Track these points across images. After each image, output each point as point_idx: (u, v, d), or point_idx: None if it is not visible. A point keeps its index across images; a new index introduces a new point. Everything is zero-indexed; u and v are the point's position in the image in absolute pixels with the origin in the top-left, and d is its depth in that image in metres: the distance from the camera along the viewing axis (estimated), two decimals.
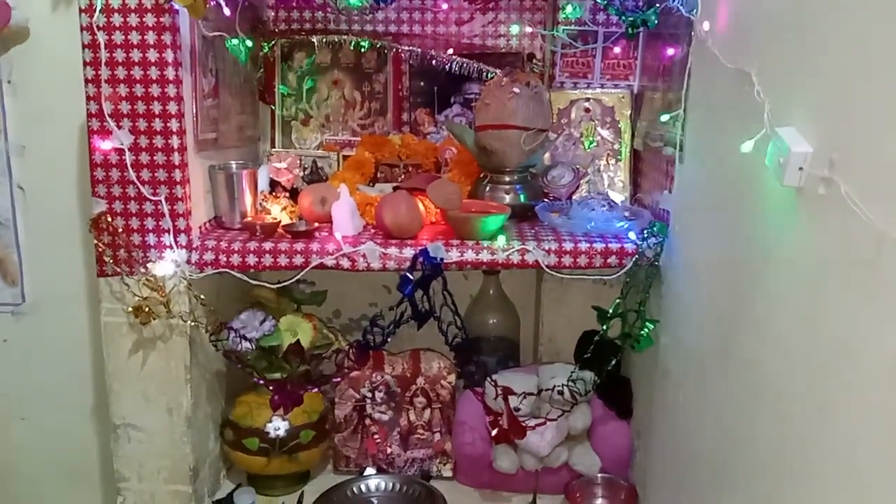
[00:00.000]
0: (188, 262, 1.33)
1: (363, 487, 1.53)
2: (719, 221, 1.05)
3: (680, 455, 1.22)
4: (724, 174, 1.03)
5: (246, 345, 1.36)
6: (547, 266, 1.32)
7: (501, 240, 1.32)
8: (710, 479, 1.06)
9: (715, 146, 1.08)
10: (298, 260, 1.33)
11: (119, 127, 1.27)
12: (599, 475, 1.51)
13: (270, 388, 1.37)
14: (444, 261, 1.31)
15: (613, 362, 1.36)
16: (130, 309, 1.30)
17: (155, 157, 1.28)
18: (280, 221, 1.41)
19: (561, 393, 1.44)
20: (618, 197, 1.51)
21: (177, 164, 1.29)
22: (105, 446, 1.74)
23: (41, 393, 1.80)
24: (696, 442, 1.13)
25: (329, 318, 1.78)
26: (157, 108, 1.26)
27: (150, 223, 1.31)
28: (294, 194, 1.53)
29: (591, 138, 1.56)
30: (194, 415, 1.39)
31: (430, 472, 1.59)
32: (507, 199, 1.47)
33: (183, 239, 1.31)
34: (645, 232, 1.30)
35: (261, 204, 1.47)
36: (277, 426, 1.44)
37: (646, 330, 1.30)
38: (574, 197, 1.51)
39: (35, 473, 1.85)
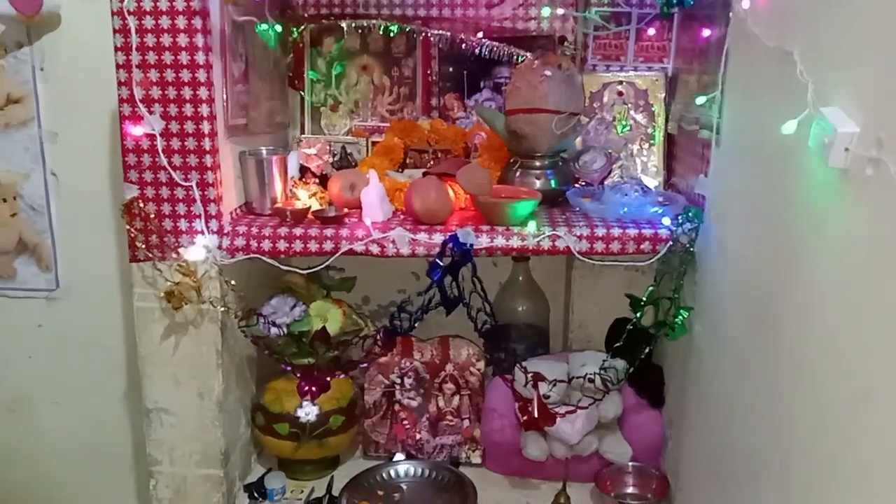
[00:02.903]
0: (219, 247, 1.33)
1: (392, 473, 1.54)
2: (758, 206, 1.02)
3: (715, 444, 1.20)
4: (764, 157, 1.00)
5: (275, 330, 1.36)
6: (578, 252, 1.30)
7: (532, 225, 1.30)
8: (746, 469, 1.04)
9: (754, 128, 1.05)
10: (328, 246, 1.32)
11: (150, 112, 1.27)
12: (630, 464, 1.49)
13: (298, 374, 1.37)
14: (474, 247, 1.30)
15: (647, 351, 1.34)
16: (162, 294, 1.30)
17: (186, 143, 1.29)
18: (310, 207, 1.40)
19: (592, 381, 1.43)
20: (651, 182, 1.49)
21: (207, 149, 1.29)
22: (137, 430, 1.76)
23: (75, 377, 1.83)
24: (732, 431, 1.11)
25: (358, 305, 1.78)
26: (187, 93, 1.27)
27: (181, 209, 1.31)
28: (323, 180, 1.53)
29: (624, 122, 1.54)
30: (225, 399, 1.40)
31: (458, 458, 1.59)
32: (538, 184, 1.45)
33: (214, 224, 1.32)
34: (679, 217, 1.28)
35: (291, 190, 1.47)
36: (308, 411, 1.44)
37: (680, 318, 1.28)
38: (606, 182, 1.48)
39: (68, 457, 1.88)
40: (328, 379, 1.35)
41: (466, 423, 1.58)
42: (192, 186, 1.30)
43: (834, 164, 0.74)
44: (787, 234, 0.91)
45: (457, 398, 1.59)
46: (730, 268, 1.14)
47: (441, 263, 1.28)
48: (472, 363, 1.59)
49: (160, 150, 1.29)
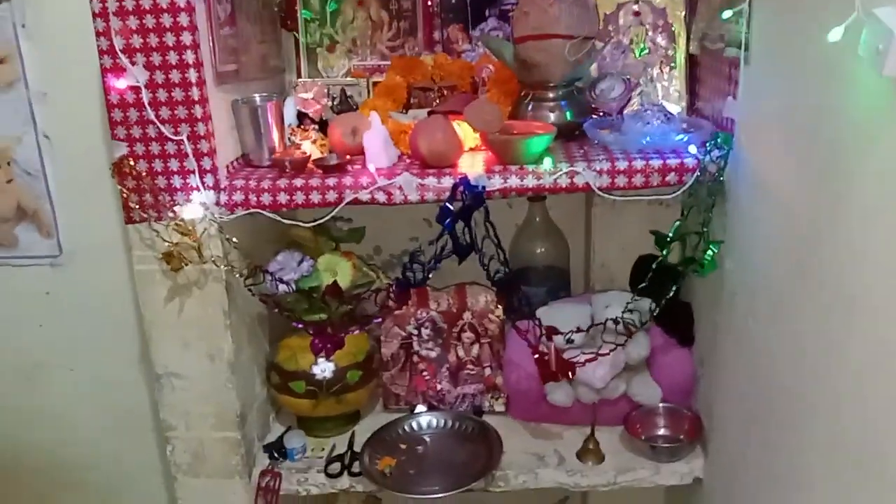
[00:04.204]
0: (217, 203, 1.26)
1: (415, 425, 1.49)
2: (797, 127, 0.92)
3: (753, 385, 1.13)
4: (802, 72, 0.90)
5: (283, 287, 1.30)
6: (599, 188, 1.22)
7: (548, 162, 1.21)
8: (789, 412, 0.97)
9: (789, 40, 0.95)
10: (332, 196, 1.25)
11: (133, 63, 1.19)
12: (661, 405, 1.44)
13: (310, 331, 1.31)
14: (486, 189, 1.21)
15: (674, 289, 1.26)
16: (161, 256, 1.24)
17: (173, 94, 1.20)
18: (310, 156, 1.32)
19: (617, 323, 1.36)
20: (674, 108, 1.38)
21: (196, 99, 1.21)
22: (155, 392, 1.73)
23: (87, 343, 1.80)
24: (774, 372, 1.04)
25: (369, 255, 1.71)
26: (170, 39, 1.18)
27: (174, 164, 1.24)
28: (323, 126, 1.44)
29: (641, 45, 1.42)
30: (237, 360, 1.35)
31: (482, 407, 1.54)
32: (552, 117, 1.35)
33: (210, 179, 1.24)
34: (707, 144, 1.18)
35: (289, 138, 1.38)
36: (323, 368, 1.39)
37: (710, 253, 1.20)
38: (625, 111, 1.38)
39: (88, 423, 1.86)
40: (343, 335, 1.29)
41: (488, 371, 1.53)
42: (183, 140, 1.22)
43: (890, 72, 0.65)
44: (832, 156, 0.82)
45: (476, 347, 1.53)
46: (766, 197, 1.05)
47: (451, 209, 1.20)
48: (491, 310, 1.52)
49: (146, 104, 1.20)
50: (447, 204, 1.20)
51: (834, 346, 0.83)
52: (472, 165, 1.25)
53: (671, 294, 1.27)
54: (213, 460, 1.39)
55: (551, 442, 1.45)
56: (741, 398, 1.18)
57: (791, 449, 0.97)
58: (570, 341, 1.37)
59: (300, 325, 1.33)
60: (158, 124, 1.21)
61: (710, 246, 1.20)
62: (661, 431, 1.43)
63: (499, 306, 1.51)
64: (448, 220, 1.18)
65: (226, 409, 1.36)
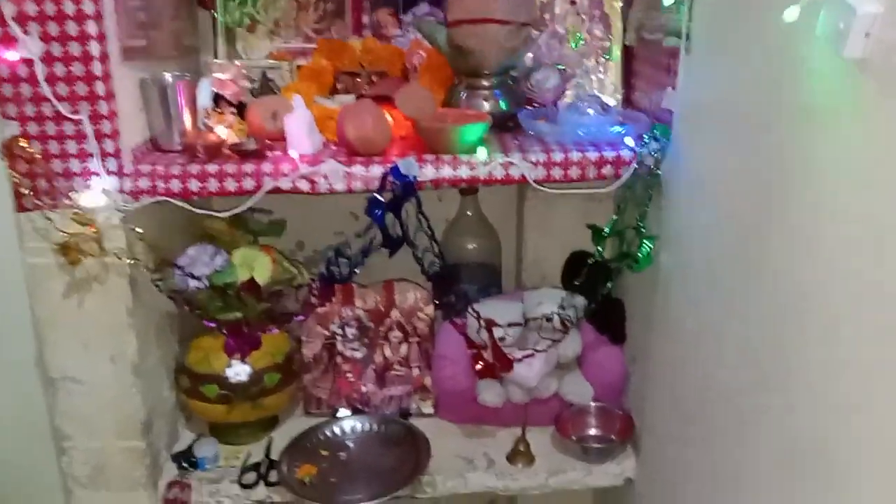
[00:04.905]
0: (120, 190, 1.14)
1: (337, 430, 1.41)
2: (743, 116, 0.90)
3: (687, 382, 1.10)
4: (749, 59, 0.87)
5: (194, 283, 1.20)
6: (535, 180, 1.17)
7: (482, 152, 1.16)
8: (731, 411, 0.95)
9: (735, 27, 0.92)
10: (249, 183, 1.15)
11: (26, 33, 1.06)
12: (592, 404, 1.40)
13: (224, 331, 1.21)
14: (418, 179, 1.15)
15: (609, 285, 1.22)
16: (55, 247, 1.12)
17: (72, 68, 1.09)
18: (225, 140, 1.22)
19: (550, 320, 1.32)
20: (609, 101, 1.35)
21: (98, 75, 1.09)
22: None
23: None
24: (709, 368, 1.01)
25: (292, 251, 1.61)
26: (69, 7, 1.06)
27: (71, 147, 1.12)
28: (241, 110, 1.34)
29: (578, 35, 1.38)
30: (142, 363, 1.23)
31: (409, 409, 1.47)
32: (487, 106, 1.30)
33: (112, 164, 1.13)
34: (644, 136, 1.15)
35: (202, 122, 1.27)
36: (237, 371, 1.29)
37: (645, 248, 1.17)
38: (560, 103, 1.34)
39: None
40: (259, 334, 1.20)
41: (416, 371, 1.46)
42: (82, 120, 1.10)
43: (850, 53, 0.62)
44: (782, 146, 0.79)
45: (405, 346, 1.46)
46: (705, 191, 1.02)
47: (381, 199, 1.13)
48: (420, 308, 1.45)
49: (41, 79, 1.08)
50: (376, 194, 1.13)
51: (782, 343, 0.80)
52: (403, 154, 1.18)
53: (606, 290, 1.24)
54: (116, 472, 1.27)
55: (481, 444, 1.40)
56: (675, 396, 1.15)
57: (730, 448, 0.95)
58: (502, 339, 1.32)
59: (213, 325, 1.22)
60: (55, 102, 1.09)
61: (646, 241, 1.17)
62: (593, 431, 1.40)
63: (428, 304, 1.45)
64: (378, 212, 1.11)
65: (130, 416, 1.24)
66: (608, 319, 1.42)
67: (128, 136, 1.17)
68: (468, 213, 1.53)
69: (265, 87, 1.45)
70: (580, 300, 1.32)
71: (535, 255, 1.56)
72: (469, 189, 1.47)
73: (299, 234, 1.61)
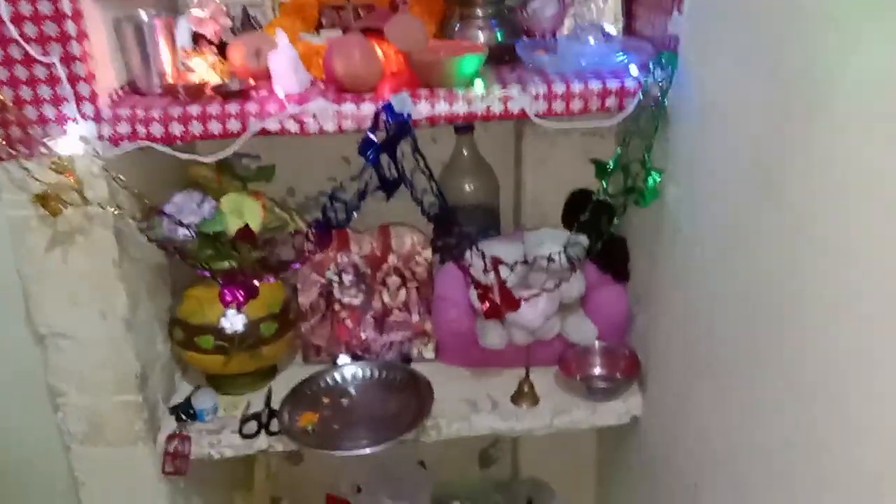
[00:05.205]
0: (99, 136, 1.09)
1: (338, 377, 1.39)
2: (759, 37, 0.84)
3: (695, 322, 1.08)
4: None
5: (183, 232, 1.15)
6: (536, 114, 1.11)
7: (479, 85, 1.10)
8: (740, 355, 0.92)
9: None
10: (234, 125, 1.09)
11: None
12: (597, 343, 1.38)
13: (219, 280, 1.17)
14: (412, 116, 1.09)
15: (615, 221, 1.18)
16: (33, 198, 1.06)
17: (39, 7, 1.02)
18: (208, 81, 1.16)
19: (552, 260, 1.28)
20: (610, 30, 1.28)
21: (68, 13, 1.02)
22: None
23: None
24: (718, 303, 0.98)
25: (283, 198, 1.56)
26: None
27: (44, 92, 1.05)
28: (222, 49, 1.27)
29: None
30: (134, 316, 1.19)
31: (410, 354, 1.45)
32: (482, 37, 1.23)
33: (88, 109, 1.07)
34: (650, 65, 1.09)
35: (182, 62, 1.21)
36: (233, 321, 1.25)
37: (652, 181, 1.12)
38: (559, 33, 1.27)
39: None
40: (256, 283, 1.16)
41: (416, 316, 1.43)
42: (54, 63, 1.04)
43: None
44: (806, 68, 0.73)
45: (403, 291, 1.43)
46: (718, 118, 0.97)
47: (374, 139, 1.07)
48: (418, 252, 1.41)
49: (6, 18, 1.01)
50: (369, 133, 1.07)
51: (798, 274, 0.76)
52: (395, 90, 1.12)
53: (610, 227, 1.20)
54: (114, 427, 1.24)
55: (484, 386, 1.38)
56: (683, 333, 1.13)
57: (741, 383, 0.93)
58: (504, 281, 1.28)
59: (207, 274, 1.18)
60: (23, 43, 1.02)
61: (652, 174, 1.12)
62: (597, 371, 1.38)
63: (426, 248, 1.41)
64: (371, 152, 1.06)
65: (124, 370, 1.21)
66: (611, 259, 1.38)
67: (104, 80, 1.10)
68: (464, 153, 1.47)
69: (246, 24, 1.37)
70: (583, 239, 1.28)
71: (535, 195, 1.51)
72: (465, 127, 1.42)
73: (290, 180, 1.56)
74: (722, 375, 0.99)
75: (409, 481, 1.73)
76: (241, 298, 1.13)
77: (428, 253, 1.41)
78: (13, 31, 1.02)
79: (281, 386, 1.36)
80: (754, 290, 0.88)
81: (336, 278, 1.42)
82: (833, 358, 0.72)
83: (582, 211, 1.34)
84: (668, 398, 1.22)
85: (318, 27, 1.36)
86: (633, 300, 1.37)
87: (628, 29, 1.31)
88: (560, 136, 1.43)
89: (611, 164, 1.13)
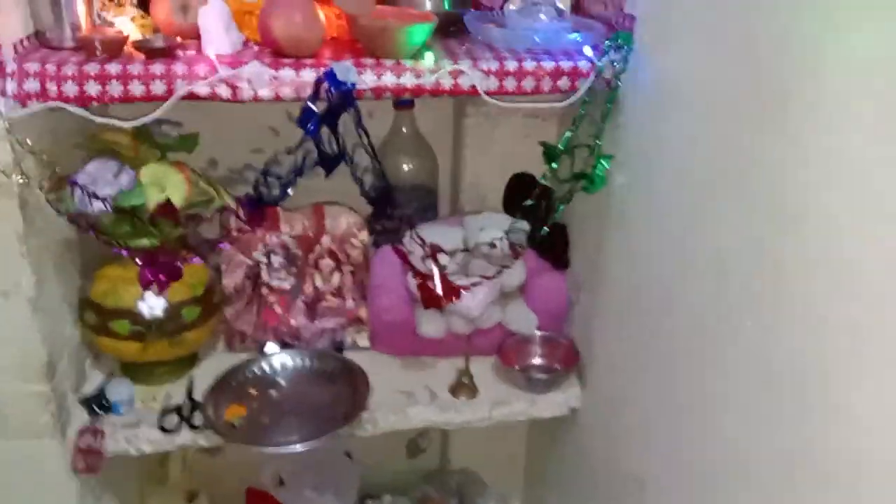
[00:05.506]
0: (2, 93, 0.96)
1: (266, 367, 1.30)
2: (726, 17, 0.81)
3: (641, 312, 1.06)
4: None
5: (98, 205, 1.04)
6: (485, 92, 1.06)
7: (430, 58, 1.04)
8: (691, 331, 0.90)
9: None
10: (159, 88, 0.99)
11: None
12: (537, 333, 1.35)
13: (138, 260, 1.06)
14: (356, 87, 1.02)
15: (560, 208, 1.15)
16: None
17: None
18: (128, 37, 1.05)
19: (494, 246, 1.24)
20: (559, 6, 1.24)
21: None
22: None
23: None
24: (673, 290, 0.96)
25: (203, 169, 1.45)
26: None
27: None
28: (144, 4, 1.16)
29: None
30: (40, 297, 1.07)
31: (343, 342, 1.37)
32: (428, 5, 1.17)
33: None
34: (605, 45, 1.06)
35: (99, 15, 1.09)
36: (152, 305, 1.15)
37: (601, 168, 1.09)
38: (507, 5, 1.22)
39: None
40: (179, 264, 1.06)
41: (350, 302, 1.36)
42: None
43: None
44: (780, 47, 0.71)
45: (337, 275, 1.35)
46: (677, 106, 0.94)
47: (315, 110, 0.99)
48: (354, 234, 1.34)
49: None
50: (310, 103, 0.99)
51: (761, 259, 0.75)
52: (338, 57, 1.05)
53: (556, 214, 1.17)
54: (18, 419, 1.12)
55: (421, 377, 1.33)
56: (631, 322, 1.11)
57: (697, 372, 0.91)
58: (443, 268, 1.23)
59: (126, 253, 1.07)
60: None
61: (602, 160, 1.09)
62: (537, 361, 1.35)
63: (362, 230, 1.34)
64: (313, 124, 0.98)
65: (29, 357, 1.09)
66: (552, 245, 1.35)
67: (7, 28, 0.98)
68: (403, 129, 1.41)
69: None
70: (525, 225, 1.25)
71: (474, 177, 1.46)
72: (406, 102, 1.35)
73: (211, 150, 1.44)
74: (669, 367, 0.97)
75: (334, 473, 1.66)
76: (162, 280, 1.03)
77: (364, 235, 1.34)
78: None
79: (203, 375, 1.27)
80: (709, 280, 0.86)
81: (264, 259, 1.33)
82: (790, 348, 0.70)
83: (524, 195, 1.30)
84: (609, 390, 1.20)
85: None
86: (573, 287, 1.35)
87: (576, 6, 1.27)
88: (502, 117, 1.39)
89: (561, 148, 1.09)
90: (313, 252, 1.34)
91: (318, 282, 1.35)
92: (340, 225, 1.34)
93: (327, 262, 1.35)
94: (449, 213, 1.53)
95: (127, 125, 1.03)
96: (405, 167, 1.42)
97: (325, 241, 1.34)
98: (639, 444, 1.06)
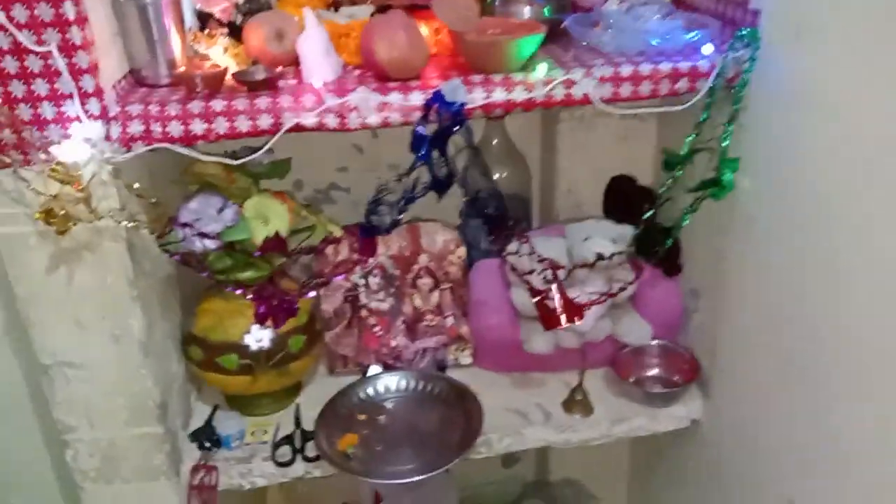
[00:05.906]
0: (107, 138, 0.94)
1: (371, 391, 1.26)
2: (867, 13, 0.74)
3: (784, 325, 0.99)
4: None
5: (209, 244, 1.01)
6: (601, 99, 1.00)
7: (542, 69, 0.98)
8: (828, 354, 0.84)
9: None
10: (265, 122, 0.96)
11: None
12: (654, 342, 1.29)
13: (250, 295, 1.03)
14: (466, 105, 0.97)
15: (686, 219, 1.08)
16: (38, 214, 0.91)
17: None
18: (227, 69, 1.01)
19: (603, 258, 1.18)
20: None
21: None
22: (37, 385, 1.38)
23: None
24: (811, 299, 0.89)
25: (289, 192, 1.42)
26: None
27: (41, 87, 0.90)
28: (235, 31, 1.12)
29: None
30: (150, 339, 1.06)
31: (444, 361, 1.33)
32: (527, 12, 1.11)
33: (94, 106, 0.91)
34: (731, 43, 0.98)
35: (192, 48, 1.06)
36: (259, 337, 1.13)
37: (729, 174, 1.02)
38: (607, 6, 1.15)
39: None
40: (295, 299, 1.02)
41: (451, 320, 1.32)
42: (51, 52, 0.88)
43: None
44: None
45: (436, 294, 1.31)
46: (811, 104, 0.87)
47: (425, 133, 0.95)
48: (451, 250, 1.30)
49: None
50: (420, 127, 0.95)
51: None
52: (443, 77, 1.00)
53: (681, 226, 1.11)
54: (132, 461, 1.11)
55: (531, 395, 1.28)
56: (766, 337, 1.04)
57: (835, 390, 0.85)
58: (548, 281, 1.18)
59: (238, 291, 1.04)
60: (13, 29, 0.86)
61: (729, 165, 1.02)
62: (653, 372, 1.29)
63: (460, 246, 1.29)
64: (424, 148, 0.93)
65: (141, 400, 1.07)
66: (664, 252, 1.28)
67: (106, 71, 0.95)
68: (495, 140, 1.35)
69: (254, 1, 1.22)
70: (627, 231, 1.19)
71: (570, 183, 1.40)
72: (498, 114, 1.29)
73: (297, 171, 1.40)
74: (823, 387, 0.91)
75: (433, 489, 1.63)
76: (279, 318, 1.00)
77: (462, 251, 1.30)
78: (0, 16, 0.86)
79: (308, 402, 1.24)
80: (861, 294, 0.80)
81: (362, 282, 1.29)
82: None
83: (629, 201, 1.25)
84: (741, 405, 1.13)
85: (336, 3, 1.22)
86: (689, 296, 1.28)
87: (678, 1, 1.20)
88: (598, 119, 1.33)
89: (684, 154, 1.03)
90: (411, 271, 1.30)
91: (418, 301, 1.31)
92: (437, 242, 1.29)
93: (425, 281, 1.31)
94: (541, 223, 1.48)
95: (235, 163, 1.00)
96: (498, 176, 1.36)
97: (423, 259, 1.30)
98: (789, 463, 1.00)
